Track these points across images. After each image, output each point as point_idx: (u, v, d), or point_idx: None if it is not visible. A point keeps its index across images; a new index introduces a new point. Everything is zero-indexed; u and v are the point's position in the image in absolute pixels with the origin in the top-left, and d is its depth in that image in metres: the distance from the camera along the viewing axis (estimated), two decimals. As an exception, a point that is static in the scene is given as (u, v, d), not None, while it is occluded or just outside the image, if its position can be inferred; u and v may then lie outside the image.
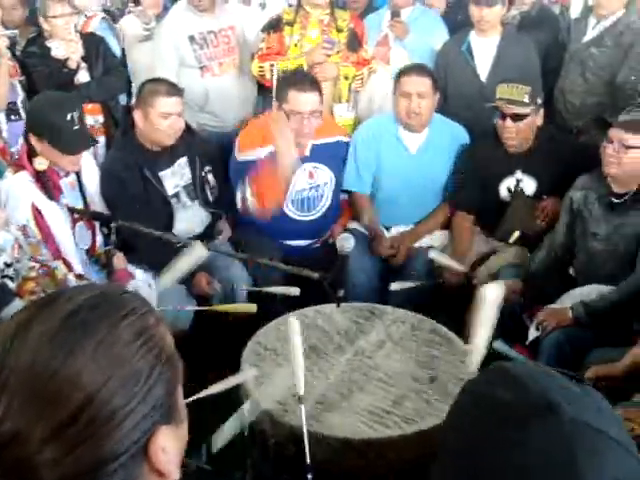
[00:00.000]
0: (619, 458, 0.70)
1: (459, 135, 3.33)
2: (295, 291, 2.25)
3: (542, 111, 3.09)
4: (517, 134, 3.02)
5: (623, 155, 2.54)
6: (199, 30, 3.70)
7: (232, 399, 1.91)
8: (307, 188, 3.23)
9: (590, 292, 2.66)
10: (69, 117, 2.54)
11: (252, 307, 2.31)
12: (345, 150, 3.36)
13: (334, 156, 3.29)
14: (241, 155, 3.09)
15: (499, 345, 2.04)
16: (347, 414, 1.88)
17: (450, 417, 0.83)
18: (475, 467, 0.74)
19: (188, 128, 3.05)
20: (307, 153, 3.16)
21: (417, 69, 3.18)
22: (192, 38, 3.68)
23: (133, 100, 3.91)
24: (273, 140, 2.79)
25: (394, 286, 2.43)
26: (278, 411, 1.88)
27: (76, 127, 2.57)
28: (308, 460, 1.61)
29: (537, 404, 0.72)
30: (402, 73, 3.18)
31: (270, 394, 1.93)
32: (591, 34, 3.76)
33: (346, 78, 3.58)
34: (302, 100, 2.97)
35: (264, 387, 1.96)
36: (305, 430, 1.64)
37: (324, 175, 3.27)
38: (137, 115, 2.89)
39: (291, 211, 3.23)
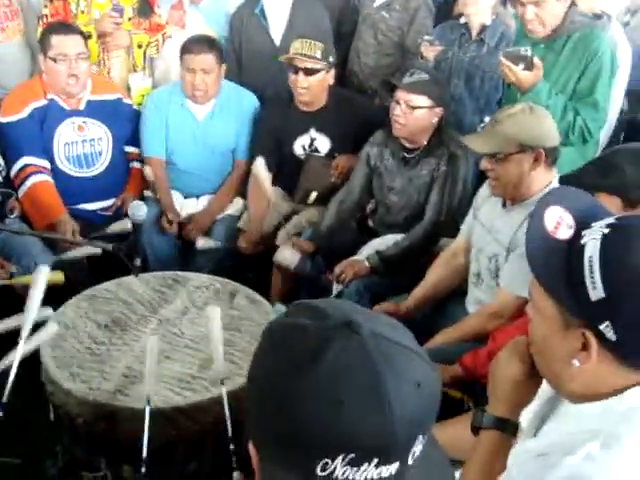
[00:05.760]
0: (417, 364, 0.76)
1: (248, 101, 3.36)
2: (97, 251, 2.16)
3: (333, 71, 3.18)
4: (309, 89, 3.09)
5: (410, 115, 2.69)
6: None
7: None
8: (79, 141, 3.15)
9: (388, 242, 2.80)
10: None
11: (59, 276, 2.11)
12: (127, 110, 3.33)
13: (112, 113, 3.24)
14: (4, 118, 3.05)
15: None
16: (155, 384, 1.85)
17: (254, 357, 0.81)
18: (278, 392, 0.74)
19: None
20: (81, 107, 3.15)
21: (199, 45, 3.12)
22: (-30, 1, 3.38)
23: None
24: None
25: (200, 243, 2.42)
26: (82, 390, 1.83)
27: None
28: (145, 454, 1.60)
29: (337, 324, 0.75)
30: (185, 49, 3.14)
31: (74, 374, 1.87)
32: (382, -1, 3.91)
33: (140, 46, 3.47)
34: (67, 43, 2.99)
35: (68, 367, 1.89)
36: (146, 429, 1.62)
37: (97, 130, 3.19)
38: None
39: (68, 168, 3.14)
